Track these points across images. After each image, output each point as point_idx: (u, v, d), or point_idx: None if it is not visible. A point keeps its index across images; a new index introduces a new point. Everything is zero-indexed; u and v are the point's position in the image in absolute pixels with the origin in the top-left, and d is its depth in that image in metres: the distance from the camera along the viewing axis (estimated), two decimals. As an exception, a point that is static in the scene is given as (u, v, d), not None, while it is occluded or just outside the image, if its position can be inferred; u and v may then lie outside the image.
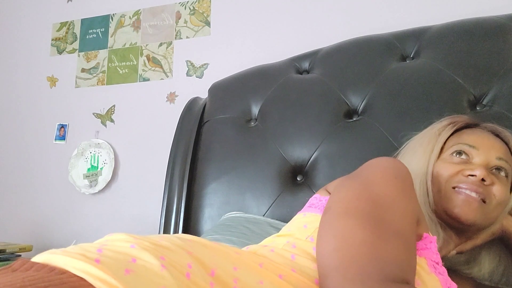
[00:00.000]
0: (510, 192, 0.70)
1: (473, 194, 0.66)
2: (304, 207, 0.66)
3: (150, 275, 0.37)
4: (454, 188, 0.67)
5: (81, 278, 0.35)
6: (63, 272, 0.36)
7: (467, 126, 0.77)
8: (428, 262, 0.55)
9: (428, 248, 0.56)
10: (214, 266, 0.42)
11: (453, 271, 0.68)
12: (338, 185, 0.60)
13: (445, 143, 0.74)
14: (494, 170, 0.69)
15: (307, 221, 0.59)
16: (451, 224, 0.68)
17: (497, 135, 0.74)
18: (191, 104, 1.41)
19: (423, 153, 0.74)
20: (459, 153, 0.71)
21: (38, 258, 0.40)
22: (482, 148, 0.70)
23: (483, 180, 0.66)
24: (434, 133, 0.77)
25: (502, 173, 0.70)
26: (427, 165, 0.71)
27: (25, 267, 0.37)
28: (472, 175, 0.67)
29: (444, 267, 0.58)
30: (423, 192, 0.69)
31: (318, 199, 0.64)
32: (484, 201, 0.66)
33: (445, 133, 0.75)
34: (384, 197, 0.53)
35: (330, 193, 0.64)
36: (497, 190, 0.67)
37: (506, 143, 0.73)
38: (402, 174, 0.57)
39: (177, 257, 0.41)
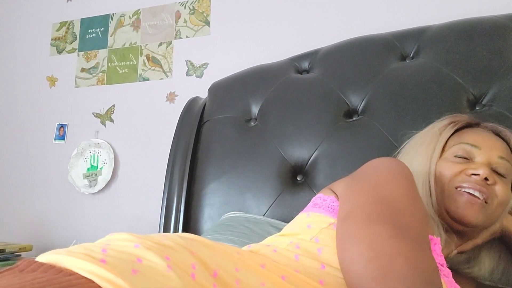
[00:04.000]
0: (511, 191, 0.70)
1: (476, 193, 0.65)
2: (307, 206, 0.65)
3: (156, 276, 0.37)
4: (457, 188, 0.67)
5: (90, 280, 0.35)
6: (71, 273, 0.36)
7: (468, 126, 0.77)
8: None
9: (433, 250, 0.56)
10: (217, 267, 0.42)
11: (453, 270, 0.68)
12: (348, 188, 0.60)
13: (446, 142, 0.74)
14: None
15: (310, 221, 0.59)
16: (452, 225, 0.68)
17: (498, 135, 0.74)
18: (191, 104, 1.40)
19: (424, 152, 0.74)
20: (461, 152, 0.71)
21: (43, 258, 0.39)
22: (484, 148, 0.70)
23: (486, 179, 0.66)
24: (435, 132, 0.76)
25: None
26: (430, 165, 0.71)
27: (32, 267, 0.37)
28: (475, 174, 0.66)
29: (448, 269, 0.58)
30: (425, 193, 0.69)
31: (322, 198, 0.63)
32: (486, 202, 0.66)
33: (446, 133, 0.75)
34: (399, 201, 0.53)
35: (335, 193, 0.63)
36: (499, 189, 0.67)
37: (507, 143, 0.73)
38: (408, 175, 0.58)
39: (182, 257, 0.41)
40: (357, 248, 0.48)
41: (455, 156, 0.71)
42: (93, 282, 0.35)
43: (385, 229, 0.49)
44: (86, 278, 0.35)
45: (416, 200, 0.55)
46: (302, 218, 0.62)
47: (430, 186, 0.69)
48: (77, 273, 0.36)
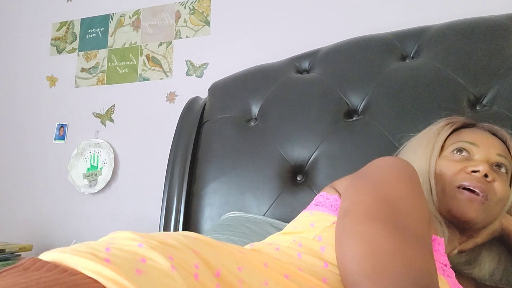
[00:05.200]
0: (510, 188, 0.70)
1: (477, 190, 0.66)
2: (310, 205, 0.65)
3: (160, 276, 0.37)
4: (458, 187, 0.68)
5: (94, 280, 0.35)
6: (76, 273, 0.35)
7: (464, 126, 0.78)
8: (437, 264, 0.55)
9: (437, 250, 0.56)
10: (219, 267, 0.42)
11: (454, 271, 0.68)
12: (350, 186, 0.59)
13: (444, 142, 0.75)
14: (494, 167, 0.70)
15: (313, 220, 0.59)
16: (453, 222, 0.69)
17: (494, 134, 0.75)
18: (191, 104, 1.40)
19: (423, 152, 0.75)
20: (460, 150, 0.72)
21: (47, 257, 0.39)
22: (482, 145, 0.71)
23: (485, 176, 0.66)
24: (433, 133, 0.77)
25: (503, 170, 0.70)
26: (429, 164, 0.72)
27: (36, 266, 0.36)
28: (475, 171, 0.67)
29: (452, 269, 0.58)
30: (426, 191, 0.69)
31: (325, 197, 0.63)
32: (486, 199, 0.66)
33: (444, 132, 0.76)
34: (401, 200, 0.53)
35: (338, 192, 0.63)
36: (498, 186, 0.67)
37: (504, 142, 0.74)
38: (413, 174, 0.57)
39: (185, 257, 0.41)
40: (353, 244, 0.48)
41: (454, 154, 0.71)
42: (98, 282, 0.34)
43: (383, 227, 0.48)
44: (91, 278, 0.35)
45: (419, 199, 0.54)
46: (305, 217, 0.62)
47: (430, 185, 0.70)
48: (82, 273, 0.35)
